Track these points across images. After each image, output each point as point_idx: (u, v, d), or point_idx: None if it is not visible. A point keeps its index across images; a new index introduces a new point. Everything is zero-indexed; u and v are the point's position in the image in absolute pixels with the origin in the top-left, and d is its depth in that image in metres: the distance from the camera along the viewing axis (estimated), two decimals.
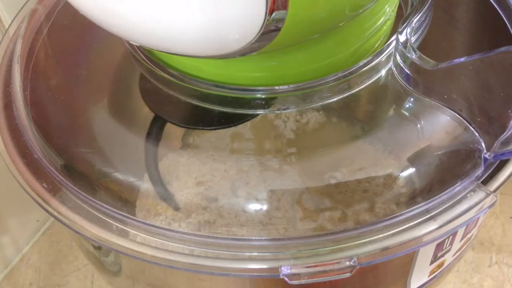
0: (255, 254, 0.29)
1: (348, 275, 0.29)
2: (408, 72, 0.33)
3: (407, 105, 0.34)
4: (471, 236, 0.39)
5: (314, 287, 0.33)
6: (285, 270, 0.28)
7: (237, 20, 0.26)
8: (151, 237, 0.31)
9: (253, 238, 0.30)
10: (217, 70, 0.34)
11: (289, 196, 0.32)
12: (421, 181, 0.32)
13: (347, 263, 0.28)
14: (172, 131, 0.37)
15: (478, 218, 0.37)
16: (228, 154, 0.34)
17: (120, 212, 0.32)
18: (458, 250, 0.38)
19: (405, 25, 0.33)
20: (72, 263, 0.55)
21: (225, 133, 0.35)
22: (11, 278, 0.54)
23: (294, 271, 0.28)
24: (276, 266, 0.29)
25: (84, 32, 0.40)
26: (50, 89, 0.39)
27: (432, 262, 0.36)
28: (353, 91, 0.34)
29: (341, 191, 0.32)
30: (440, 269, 0.38)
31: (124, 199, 0.34)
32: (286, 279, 0.28)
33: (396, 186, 0.32)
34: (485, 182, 0.31)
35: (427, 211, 0.30)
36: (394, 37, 0.34)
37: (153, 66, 0.36)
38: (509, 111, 0.31)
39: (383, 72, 0.35)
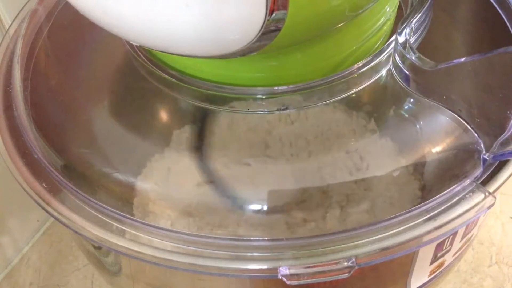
0: (254, 254, 0.29)
1: (346, 275, 0.29)
2: (407, 72, 0.33)
3: (406, 106, 0.34)
4: (471, 236, 0.39)
5: (315, 287, 0.33)
6: (284, 270, 0.28)
7: (237, 20, 0.26)
8: (151, 237, 0.31)
9: (252, 238, 0.30)
10: (217, 70, 0.34)
11: (288, 196, 0.32)
12: (420, 181, 0.32)
13: (345, 263, 0.28)
14: (172, 130, 0.37)
15: (478, 218, 0.37)
16: (228, 154, 0.34)
17: (120, 213, 0.32)
18: (458, 250, 0.38)
19: (404, 25, 0.33)
20: (72, 263, 0.55)
21: (225, 133, 0.35)
22: (11, 278, 0.54)
23: (292, 271, 0.28)
24: (274, 267, 0.29)
25: (84, 32, 0.40)
26: (50, 89, 0.39)
27: (432, 262, 0.36)
28: (352, 92, 0.34)
29: (340, 191, 0.32)
30: (440, 269, 0.38)
31: (124, 200, 0.34)
32: (285, 279, 0.28)
33: (396, 187, 0.32)
34: (485, 182, 0.31)
35: (427, 211, 0.30)
36: (393, 37, 0.34)
37: (153, 67, 0.36)
38: (508, 112, 0.31)
39: (383, 73, 0.35)
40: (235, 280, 0.33)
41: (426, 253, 0.34)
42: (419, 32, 0.35)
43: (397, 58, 0.33)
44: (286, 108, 0.34)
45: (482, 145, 0.31)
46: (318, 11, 0.28)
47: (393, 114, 0.34)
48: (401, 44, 0.33)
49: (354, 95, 0.34)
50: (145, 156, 0.35)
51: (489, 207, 0.30)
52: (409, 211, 0.30)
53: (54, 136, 0.36)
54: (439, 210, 0.30)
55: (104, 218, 0.32)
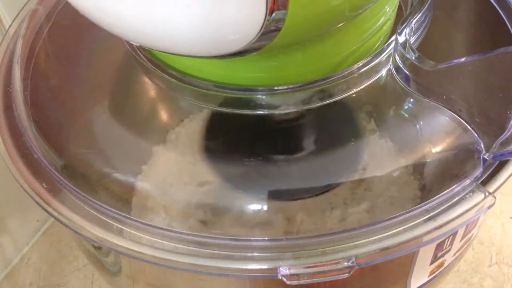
0: (254, 254, 0.29)
1: (346, 275, 0.29)
2: (407, 73, 0.33)
3: (406, 106, 0.34)
4: (471, 236, 0.39)
5: (315, 287, 0.33)
6: (283, 270, 0.28)
7: (237, 20, 0.26)
8: (151, 237, 0.31)
9: (252, 238, 0.30)
10: (217, 71, 0.34)
11: (288, 196, 0.32)
12: (420, 181, 0.32)
13: (345, 263, 0.28)
14: (172, 130, 0.37)
15: (478, 218, 0.37)
16: (228, 154, 0.34)
17: (120, 212, 0.32)
18: (458, 250, 0.38)
19: (404, 25, 0.33)
20: (72, 263, 0.55)
21: (225, 133, 0.35)
22: (11, 278, 0.54)
23: (292, 271, 0.28)
24: (274, 267, 0.29)
25: (84, 32, 0.40)
26: (50, 89, 0.39)
27: (432, 262, 0.36)
28: (352, 92, 0.34)
29: (340, 191, 0.32)
30: (440, 269, 0.38)
31: (124, 199, 0.34)
32: (285, 279, 0.28)
33: (396, 187, 0.32)
34: (485, 182, 0.31)
35: (427, 211, 0.30)
36: (393, 37, 0.34)
37: (153, 67, 0.36)
38: (508, 112, 0.31)
39: (383, 73, 0.35)
40: (235, 280, 0.33)
41: (426, 253, 0.34)
42: (419, 32, 0.35)
43: (397, 58, 0.33)
44: (286, 109, 0.34)
45: (482, 145, 0.31)
46: (318, 11, 0.28)
47: (393, 114, 0.34)
48: (401, 44, 0.33)
49: (354, 95, 0.34)
50: (145, 155, 0.35)
51: (489, 207, 0.30)
52: (409, 211, 0.30)
53: (54, 136, 0.36)
54: (439, 210, 0.30)
55: (104, 218, 0.32)
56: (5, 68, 0.39)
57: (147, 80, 0.36)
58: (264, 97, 0.34)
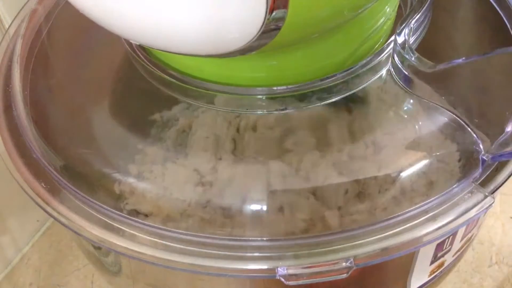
0: (254, 254, 0.29)
1: (344, 276, 0.29)
2: (406, 73, 0.33)
3: (405, 107, 0.34)
4: (471, 236, 0.39)
5: (314, 287, 0.33)
6: (282, 270, 0.28)
7: (237, 19, 0.26)
8: (150, 238, 0.31)
9: (251, 238, 0.30)
10: (217, 70, 0.34)
11: (288, 196, 0.32)
12: (419, 182, 0.32)
13: (344, 264, 0.28)
14: (172, 130, 0.37)
15: (478, 219, 0.37)
16: (227, 154, 0.34)
17: (120, 213, 0.32)
18: (458, 250, 0.38)
19: (403, 26, 0.33)
20: (72, 263, 0.55)
21: (225, 133, 0.35)
22: (11, 278, 0.54)
23: (290, 271, 0.28)
24: (273, 267, 0.29)
25: (84, 32, 0.40)
26: (50, 89, 0.39)
27: (432, 262, 0.36)
28: (352, 92, 0.34)
29: (340, 191, 0.32)
30: (440, 269, 0.38)
31: (124, 199, 0.34)
32: (283, 279, 0.28)
33: (395, 187, 0.32)
34: (484, 183, 0.31)
35: (427, 211, 0.30)
36: (393, 37, 0.34)
37: (153, 67, 0.36)
38: (507, 113, 0.31)
39: (383, 73, 0.35)
40: (235, 280, 0.33)
41: (426, 253, 0.34)
42: (418, 33, 0.35)
43: (396, 59, 0.33)
44: (286, 108, 0.34)
45: (481, 146, 0.31)
46: (318, 10, 0.28)
47: (392, 114, 0.34)
48: (400, 44, 0.33)
49: (354, 95, 0.34)
50: (145, 156, 0.35)
51: (488, 208, 0.30)
52: (409, 211, 0.30)
53: (53, 136, 0.36)
54: (439, 210, 0.30)
55: (103, 218, 0.32)
56: (5, 68, 0.39)
57: (146, 80, 0.36)
58: (263, 97, 0.34)
